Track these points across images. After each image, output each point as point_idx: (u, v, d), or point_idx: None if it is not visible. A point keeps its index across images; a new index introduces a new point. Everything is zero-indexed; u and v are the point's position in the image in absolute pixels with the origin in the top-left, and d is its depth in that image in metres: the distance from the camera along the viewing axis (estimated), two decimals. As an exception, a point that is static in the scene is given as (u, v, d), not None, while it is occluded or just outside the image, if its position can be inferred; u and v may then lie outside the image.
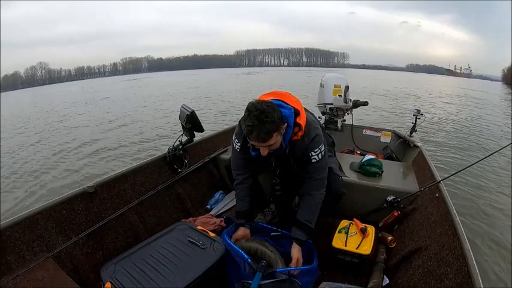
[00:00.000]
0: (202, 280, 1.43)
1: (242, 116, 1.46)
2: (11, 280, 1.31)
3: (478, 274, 1.14)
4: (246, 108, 1.42)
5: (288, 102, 1.53)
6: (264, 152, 1.48)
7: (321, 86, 3.40)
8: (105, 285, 1.35)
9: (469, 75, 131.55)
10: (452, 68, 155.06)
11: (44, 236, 1.53)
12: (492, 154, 2.01)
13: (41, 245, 1.50)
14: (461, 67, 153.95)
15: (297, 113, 1.52)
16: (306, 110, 1.66)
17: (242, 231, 1.70)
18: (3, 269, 1.34)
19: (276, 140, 1.45)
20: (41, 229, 1.53)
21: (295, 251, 1.57)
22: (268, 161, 1.70)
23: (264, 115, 1.35)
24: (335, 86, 3.26)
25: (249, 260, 1.44)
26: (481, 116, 11.84)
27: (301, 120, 1.53)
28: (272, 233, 1.82)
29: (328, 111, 3.33)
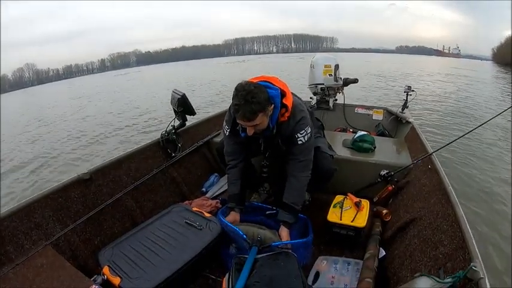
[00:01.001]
0: (199, 259, 1.45)
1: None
2: (11, 269, 1.31)
3: (472, 238, 1.17)
4: (235, 88, 1.46)
5: (274, 84, 1.56)
6: (250, 131, 1.51)
7: (311, 67, 3.38)
8: (103, 269, 1.35)
9: (457, 55, 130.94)
10: (440, 49, 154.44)
11: (42, 224, 1.53)
12: (481, 125, 2.04)
13: (39, 234, 1.51)
14: (449, 47, 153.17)
15: (283, 94, 1.56)
16: (293, 94, 1.69)
17: (232, 216, 1.71)
18: (2, 259, 1.35)
19: (262, 120, 1.48)
20: (38, 218, 1.53)
21: (284, 234, 1.59)
22: (257, 143, 1.74)
23: (251, 95, 1.40)
24: (325, 66, 3.24)
25: (244, 236, 1.47)
26: (470, 92, 12.10)
27: (288, 101, 1.56)
28: (267, 212, 1.85)
29: (319, 91, 3.32)
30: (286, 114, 1.58)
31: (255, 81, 1.55)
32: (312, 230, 1.69)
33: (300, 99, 1.78)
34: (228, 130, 1.72)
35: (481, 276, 0.96)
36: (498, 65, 39.00)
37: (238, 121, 1.51)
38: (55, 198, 1.63)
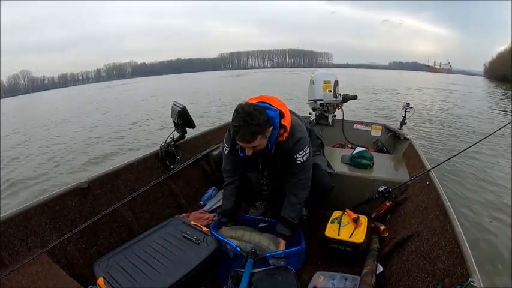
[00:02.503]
0: (195, 274, 1.43)
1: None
2: (5, 276, 1.29)
3: (470, 253, 1.17)
4: (235, 109, 1.50)
5: (273, 105, 1.61)
6: (249, 152, 1.55)
7: (311, 82, 3.43)
8: (98, 280, 1.33)
9: (448, 71, 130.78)
10: (431, 64, 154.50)
11: (38, 231, 1.52)
12: (478, 142, 2.07)
13: (35, 241, 1.49)
14: (440, 62, 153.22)
15: (281, 115, 1.60)
16: (292, 112, 1.75)
17: (224, 231, 1.73)
18: None
19: (261, 142, 1.52)
20: (34, 225, 1.52)
21: (281, 245, 1.64)
22: (255, 162, 1.78)
23: (250, 117, 1.44)
24: (325, 81, 3.28)
25: (238, 249, 1.48)
26: (465, 108, 12.32)
27: (286, 122, 1.61)
28: (260, 225, 1.88)
29: (318, 107, 3.35)
30: (285, 135, 1.62)
31: (254, 101, 1.60)
32: (304, 238, 1.73)
33: (299, 117, 1.83)
34: (228, 149, 1.76)
35: None
36: (490, 80, 39.77)
37: (237, 141, 1.54)
38: (52, 206, 1.62)
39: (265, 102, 1.60)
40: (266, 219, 1.90)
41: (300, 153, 1.65)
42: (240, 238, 1.62)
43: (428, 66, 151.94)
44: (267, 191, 1.98)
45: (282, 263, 1.51)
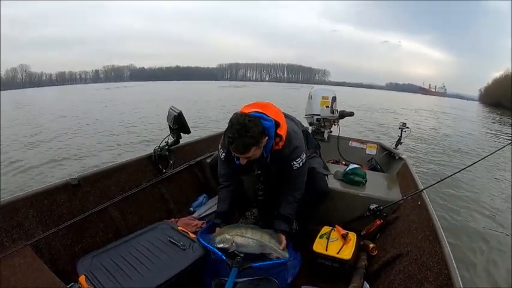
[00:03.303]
0: (178, 280, 1.41)
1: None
2: None
3: (458, 276, 1.16)
4: (230, 120, 1.51)
5: (269, 114, 1.61)
6: (243, 161, 1.57)
7: (310, 97, 3.46)
8: (80, 278, 1.32)
9: (443, 94, 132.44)
10: (426, 87, 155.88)
11: (24, 224, 1.51)
12: (472, 164, 2.08)
13: (20, 233, 1.48)
14: (435, 86, 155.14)
15: (277, 124, 1.61)
16: (288, 117, 1.79)
17: (217, 232, 1.71)
18: None
19: (255, 153, 1.54)
20: (21, 217, 1.51)
21: (283, 240, 1.66)
22: (251, 168, 1.80)
23: (245, 129, 1.45)
24: (323, 97, 3.32)
25: (223, 257, 1.46)
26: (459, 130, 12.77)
27: (282, 131, 1.62)
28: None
29: (315, 121, 3.37)
30: (281, 143, 1.64)
31: (250, 110, 1.60)
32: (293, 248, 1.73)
33: (295, 121, 1.87)
34: (224, 154, 1.77)
35: None
36: (484, 105, 40.75)
37: (231, 151, 1.56)
38: (41, 200, 1.61)
39: (261, 112, 1.60)
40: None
41: (297, 160, 1.68)
42: (243, 234, 1.60)
43: (423, 88, 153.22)
44: (262, 196, 2.00)
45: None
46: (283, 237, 1.66)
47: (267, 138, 1.54)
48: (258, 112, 1.60)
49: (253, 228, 1.67)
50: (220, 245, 1.53)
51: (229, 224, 1.78)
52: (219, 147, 1.82)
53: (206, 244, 1.56)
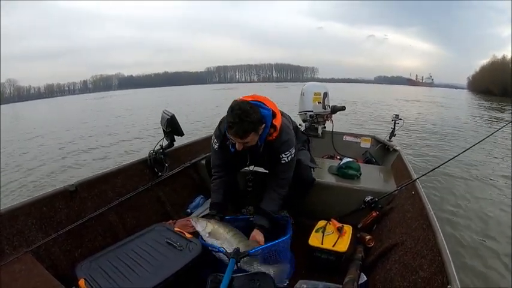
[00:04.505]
0: (175, 279, 1.42)
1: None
2: None
3: (451, 261, 1.18)
4: (230, 105, 1.55)
5: (266, 104, 1.67)
6: (240, 147, 1.61)
7: (302, 94, 3.48)
8: (79, 282, 1.33)
9: (430, 84, 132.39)
10: (413, 78, 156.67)
11: (24, 231, 1.54)
12: (464, 152, 2.08)
13: (20, 240, 1.51)
14: (422, 76, 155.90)
15: (274, 115, 1.67)
16: (282, 112, 1.80)
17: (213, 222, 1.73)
18: None
19: (252, 138, 1.58)
20: (21, 224, 1.54)
21: (259, 237, 1.68)
22: (244, 156, 1.81)
23: (245, 114, 1.50)
24: (315, 93, 3.34)
25: (221, 250, 1.50)
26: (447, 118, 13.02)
27: (277, 122, 1.67)
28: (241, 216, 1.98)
29: (308, 118, 3.39)
30: (274, 134, 1.68)
31: (248, 99, 1.65)
32: (292, 229, 1.78)
33: (288, 117, 1.91)
34: (218, 144, 1.81)
35: None
36: (473, 93, 41.20)
37: (229, 137, 1.60)
38: (39, 207, 1.64)
39: (260, 101, 1.67)
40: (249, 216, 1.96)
41: (286, 153, 1.72)
42: (225, 235, 1.63)
43: (410, 80, 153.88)
44: (251, 187, 2.05)
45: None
46: (259, 237, 1.68)
47: (263, 125, 1.60)
48: (256, 101, 1.66)
49: (236, 233, 1.66)
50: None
51: (224, 214, 1.83)
52: (213, 138, 1.86)
53: (204, 242, 1.60)
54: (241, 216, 2.00)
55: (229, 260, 1.42)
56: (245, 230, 1.74)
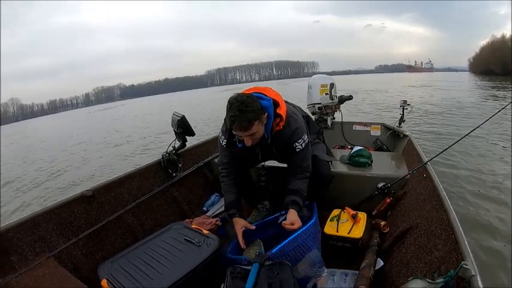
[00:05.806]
0: (195, 274, 1.46)
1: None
2: (14, 278, 1.36)
3: (465, 239, 1.18)
4: (228, 101, 1.52)
5: (267, 95, 1.62)
6: (248, 142, 1.55)
7: (309, 87, 3.47)
8: (101, 282, 1.38)
9: (430, 69, 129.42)
10: (412, 64, 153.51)
11: (46, 237, 1.59)
12: (470, 133, 2.08)
13: (43, 246, 1.56)
14: (421, 62, 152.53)
15: (276, 104, 1.61)
16: (288, 102, 1.77)
17: (240, 223, 1.71)
18: (6, 268, 1.40)
19: (258, 128, 1.53)
20: (42, 231, 1.59)
21: (294, 217, 1.61)
22: (254, 153, 1.76)
23: (244, 105, 1.46)
24: (321, 85, 3.33)
25: (247, 259, 1.43)
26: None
27: (282, 111, 1.62)
28: (280, 220, 1.77)
29: (317, 110, 3.38)
30: (281, 124, 1.63)
31: (250, 91, 1.63)
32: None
33: (296, 106, 1.88)
34: (225, 141, 1.77)
35: (473, 273, 0.97)
36: (475, 75, 40.87)
37: (234, 132, 1.57)
38: (59, 213, 1.69)
39: (260, 93, 1.63)
40: (270, 216, 1.86)
41: (299, 141, 1.67)
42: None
43: (409, 66, 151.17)
44: (264, 182, 2.02)
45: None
46: (294, 216, 1.61)
47: (266, 115, 1.54)
48: (257, 93, 1.62)
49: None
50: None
51: (242, 209, 1.80)
52: (220, 134, 1.82)
53: (233, 256, 1.55)
54: (269, 218, 1.87)
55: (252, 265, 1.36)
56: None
